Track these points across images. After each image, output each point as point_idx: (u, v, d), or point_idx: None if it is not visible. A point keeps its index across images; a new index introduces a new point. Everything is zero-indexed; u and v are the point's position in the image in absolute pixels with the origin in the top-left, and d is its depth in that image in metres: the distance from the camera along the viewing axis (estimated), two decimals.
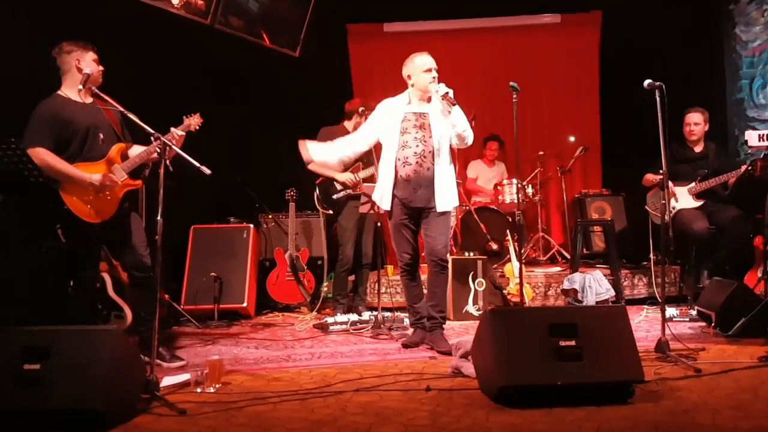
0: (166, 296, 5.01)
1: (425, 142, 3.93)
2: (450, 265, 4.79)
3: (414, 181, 3.93)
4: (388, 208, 4.03)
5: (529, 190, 6.59)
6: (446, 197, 3.96)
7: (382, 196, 4.04)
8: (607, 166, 7.34)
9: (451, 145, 4.03)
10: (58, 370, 2.60)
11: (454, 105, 3.84)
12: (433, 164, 3.93)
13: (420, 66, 3.97)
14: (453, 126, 3.90)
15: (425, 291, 4.30)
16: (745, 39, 6.36)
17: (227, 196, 6.22)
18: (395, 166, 3.97)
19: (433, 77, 3.94)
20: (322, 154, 4.14)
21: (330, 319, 4.83)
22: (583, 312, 3.36)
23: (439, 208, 3.95)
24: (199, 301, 5.29)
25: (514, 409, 2.71)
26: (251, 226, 5.72)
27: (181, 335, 4.71)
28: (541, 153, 6.75)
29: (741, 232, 5.04)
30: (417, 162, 3.91)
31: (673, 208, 5.18)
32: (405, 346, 4.10)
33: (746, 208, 5.10)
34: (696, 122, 5.34)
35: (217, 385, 3.16)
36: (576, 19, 7.37)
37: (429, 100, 4.04)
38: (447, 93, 3.84)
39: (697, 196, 5.22)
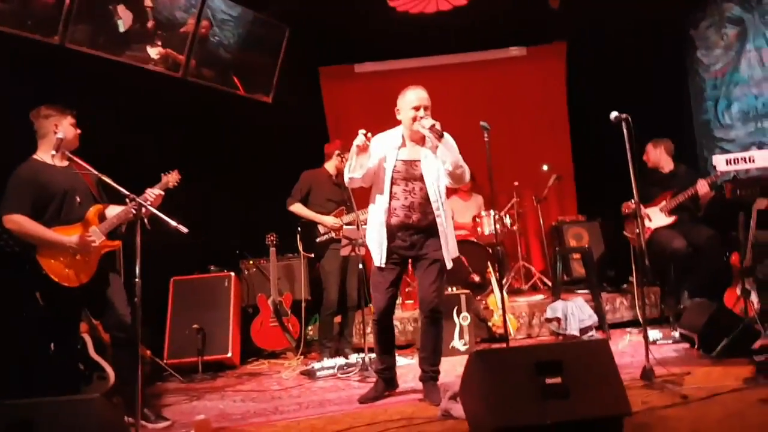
0: (148, 352, 4.93)
1: (414, 194, 3.67)
2: None
3: (402, 232, 3.69)
4: (383, 265, 3.72)
5: (507, 221, 6.64)
6: (447, 248, 3.70)
7: (374, 251, 3.75)
8: (581, 192, 7.47)
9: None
10: None
11: (441, 137, 3.52)
12: (432, 213, 3.67)
13: (408, 101, 3.65)
14: (443, 163, 3.59)
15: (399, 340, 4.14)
16: (707, 62, 6.55)
17: (206, 244, 6.18)
18: (387, 218, 3.70)
19: (419, 116, 3.59)
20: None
21: (317, 365, 4.79)
22: (566, 348, 3.38)
23: (435, 256, 3.68)
24: (183, 354, 5.23)
25: None
26: (232, 274, 5.66)
27: (165, 392, 4.63)
28: (516, 183, 6.82)
29: (716, 252, 5.14)
30: (405, 214, 3.67)
31: (649, 228, 5.27)
32: (360, 402, 3.80)
33: (719, 227, 5.20)
34: (646, 152, 5.55)
35: None
36: (541, 51, 7.56)
37: (423, 140, 3.71)
38: (434, 125, 3.51)
39: (670, 212, 5.30)
